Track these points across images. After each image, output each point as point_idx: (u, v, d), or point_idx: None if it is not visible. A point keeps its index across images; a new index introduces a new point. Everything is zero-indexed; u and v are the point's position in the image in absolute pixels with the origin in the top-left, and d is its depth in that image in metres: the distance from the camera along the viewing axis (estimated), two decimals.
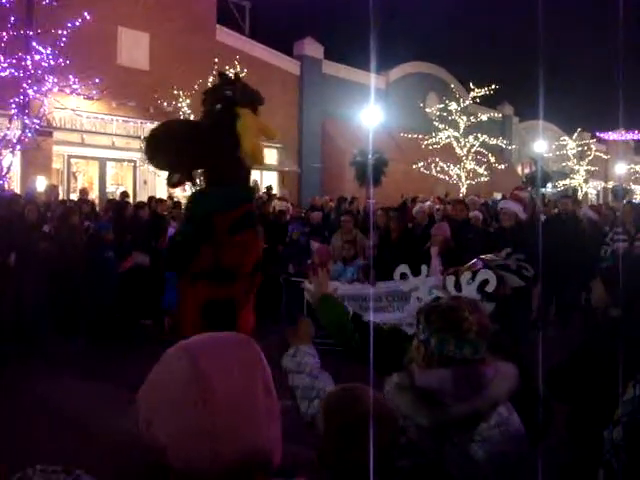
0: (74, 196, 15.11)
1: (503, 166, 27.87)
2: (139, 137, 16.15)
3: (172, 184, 4.35)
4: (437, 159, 24.69)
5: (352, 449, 1.71)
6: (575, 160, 34.63)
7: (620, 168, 35.28)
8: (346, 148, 21.78)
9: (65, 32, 11.69)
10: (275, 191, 18.14)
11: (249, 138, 3.94)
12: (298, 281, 7.58)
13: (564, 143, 33.90)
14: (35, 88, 11.82)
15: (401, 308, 6.82)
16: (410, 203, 14.62)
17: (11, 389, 6.27)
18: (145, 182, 17.94)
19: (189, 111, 17.43)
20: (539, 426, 2.29)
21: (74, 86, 12.34)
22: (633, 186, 36.56)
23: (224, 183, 4.05)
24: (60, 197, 13.47)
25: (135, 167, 18.00)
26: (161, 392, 1.09)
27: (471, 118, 25.72)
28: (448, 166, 25.15)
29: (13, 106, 11.78)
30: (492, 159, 26.16)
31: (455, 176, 25.45)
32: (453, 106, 25.35)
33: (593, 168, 35.79)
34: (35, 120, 12.03)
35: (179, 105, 17.05)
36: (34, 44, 11.84)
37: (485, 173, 25.76)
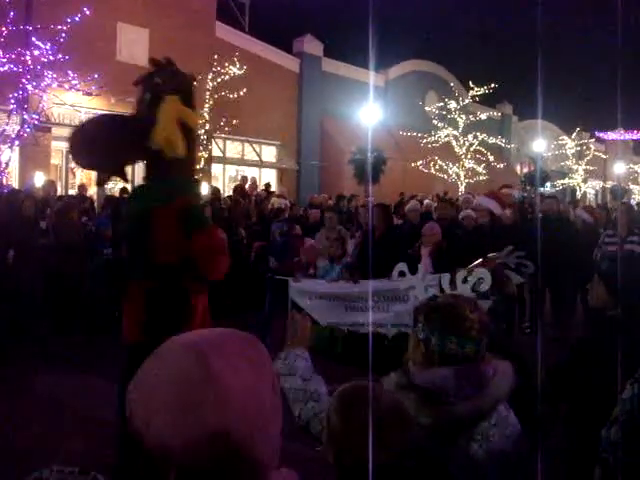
0: (72, 192, 15.09)
1: (502, 165, 27.90)
2: None
3: (98, 182, 4.20)
4: (436, 157, 24.70)
5: (374, 447, 1.65)
6: (574, 159, 34.68)
7: (619, 168, 35.30)
8: (345, 146, 21.80)
9: (64, 27, 11.66)
10: (274, 188, 18.12)
11: (162, 127, 3.69)
12: (283, 279, 7.52)
13: (563, 142, 33.94)
14: (34, 83, 11.79)
15: (386, 308, 6.67)
16: (407, 201, 14.58)
17: (10, 386, 6.27)
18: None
19: None
20: (537, 424, 2.30)
21: (73, 82, 12.31)
22: (632, 186, 36.67)
23: (159, 176, 3.84)
24: (58, 193, 13.45)
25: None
26: (164, 392, 1.04)
27: (470, 117, 25.73)
28: (447, 165, 25.17)
29: (12, 101, 11.75)
30: (491, 158, 26.19)
31: (454, 175, 25.47)
32: (452, 105, 25.35)
33: (592, 168, 35.86)
34: (34, 115, 12.00)
35: None
36: (33, 39, 11.81)
37: (484, 172, 25.77)
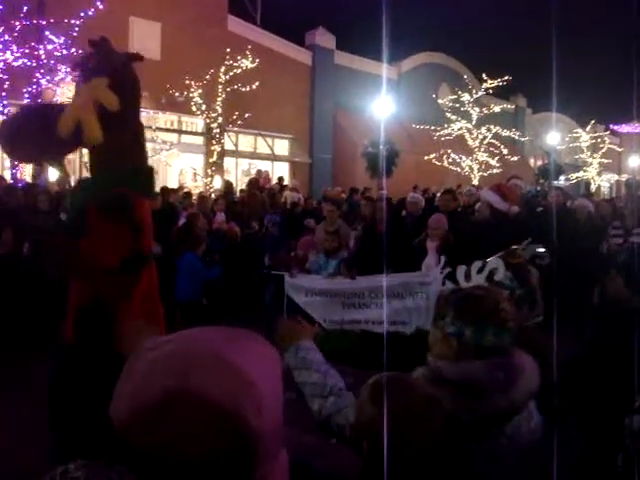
0: None
1: (516, 158, 27.71)
2: (150, 127, 16.17)
3: (34, 176, 4.00)
4: (449, 150, 24.59)
5: (410, 436, 1.64)
6: (588, 152, 34.42)
7: (634, 161, 34.98)
8: (357, 139, 21.73)
9: (77, 22, 11.71)
10: (286, 182, 18.11)
11: (69, 112, 3.32)
12: (279, 275, 7.36)
13: (577, 135, 33.69)
14: (48, 78, 11.87)
15: (381, 305, 6.52)
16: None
17: (26, 382, 6.31)
18: (156, 172, 17.99)
19: (201, 101, 17.45)
20: (554, 416, 2.28)
21: None
22: None
23: (93, 167, 3.56)
24: None
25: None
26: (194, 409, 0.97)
27: (484, 109, 25.58)
28: (460, 158, 25.05)
29: (26, 95, 11.82)
30: (505, 151, 26.03)
31: (467, 168, 25.34)
32: (465, 97, 25.22)
33: (606, 161, 35.55)
34: None
35: (191, 95, 17.09)
36: (47, 33, 11.88)
37: (497, 165, 25.61)
